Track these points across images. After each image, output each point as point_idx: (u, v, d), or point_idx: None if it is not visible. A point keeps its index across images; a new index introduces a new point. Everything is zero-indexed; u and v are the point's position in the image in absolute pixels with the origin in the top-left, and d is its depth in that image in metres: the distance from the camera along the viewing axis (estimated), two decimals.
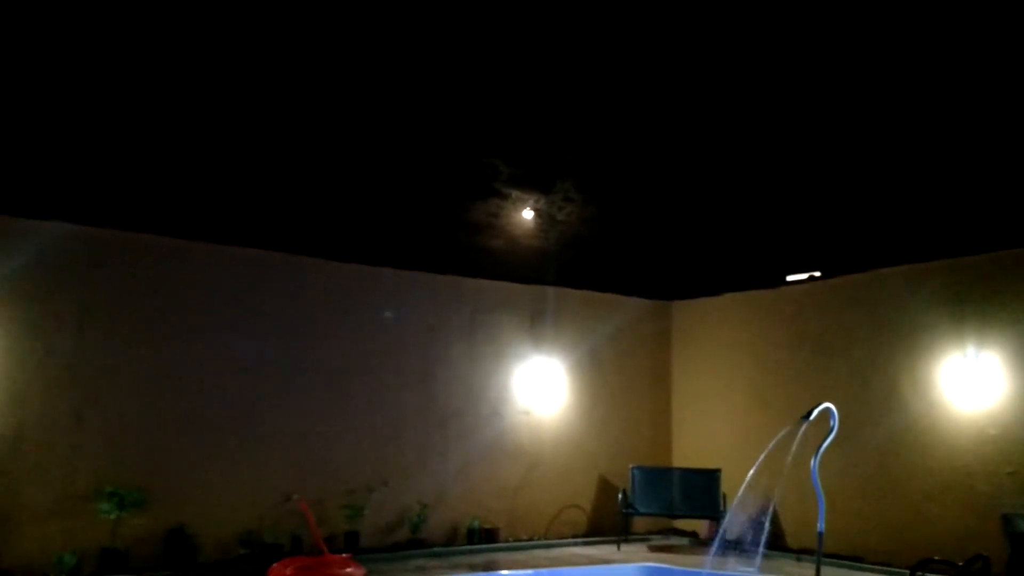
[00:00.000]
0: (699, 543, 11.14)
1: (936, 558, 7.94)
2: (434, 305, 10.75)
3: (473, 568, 9.02)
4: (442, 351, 10.71)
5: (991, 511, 8.31)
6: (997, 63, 9.88)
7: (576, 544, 10.95)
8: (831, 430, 5.36)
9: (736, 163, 12.73)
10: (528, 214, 13.22)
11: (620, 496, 10.93)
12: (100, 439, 8.39)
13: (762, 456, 6.42)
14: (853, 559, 9.36)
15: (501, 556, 9.97)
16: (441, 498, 10.37)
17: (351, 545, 9.36)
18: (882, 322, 9.82)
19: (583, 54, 10.94)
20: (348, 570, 7.63)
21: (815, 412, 5.40)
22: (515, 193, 13.10)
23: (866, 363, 9.91)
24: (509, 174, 12.81)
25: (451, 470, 10.56)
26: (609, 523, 11.31)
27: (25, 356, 8.10)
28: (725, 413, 11.63)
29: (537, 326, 11.46)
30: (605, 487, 11.68)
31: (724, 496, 10.60)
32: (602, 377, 12.01)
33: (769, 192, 12.81)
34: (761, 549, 8.73)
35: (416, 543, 9.92)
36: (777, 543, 10.21)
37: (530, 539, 10.82)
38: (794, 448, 5.81)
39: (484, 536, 10.44)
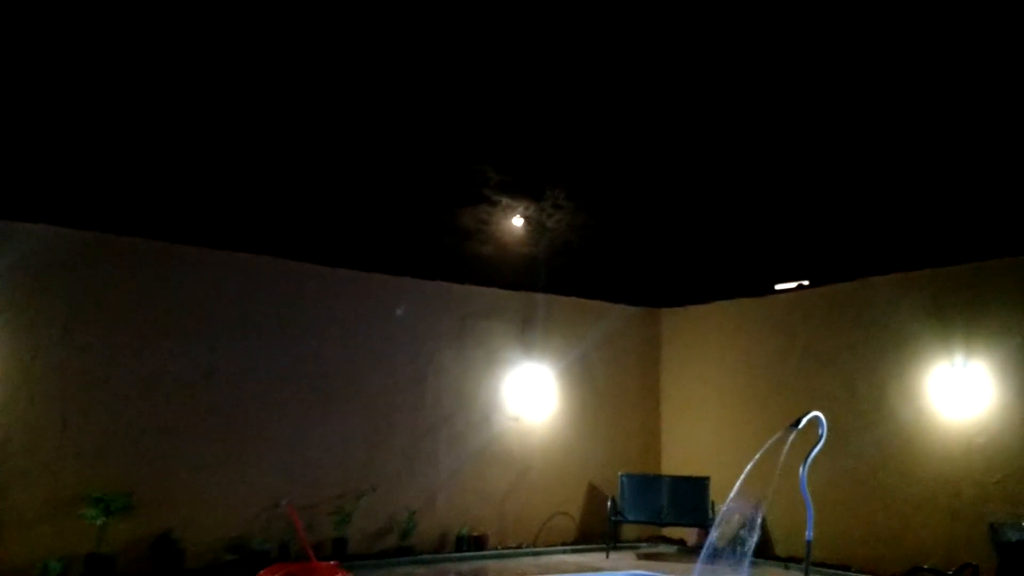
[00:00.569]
0: (688, 551, 11.14)
1: (925, 567, 7.97)
2: (423, 311, 10.72)
3: None
4: (431, 357, 10.68)
5: (978, 520, 8.34)
6: (982, 77, 9.97)
7: (565, 551, 10.93)
8: (820, 438, 5.37)
9: (725, 172, 12.78)
10: (518, 221, 13.23)
11: (609, 503, 10.92)
12: (86, 444, 8.33)
13: (751, 464, 6.42)
14: (841, 567, 9.36)
15: (490, 563, 9.96)
16: (430, 505, 10.33)
17: (339, 552, 9.31)
18: (870, 331, 9.85)
19: (574, 62, 10.97)
20: None
21: (804, 420, 5.40)
22: (505, 200, 13.12)
23: (854, 371, 9.94)
24: (499, 181, 12.83)
25: (440, 477, 10.53)
26: (598, 530, 11.31)
27: (11, 360, 8.04)
28: (714, 421, 11.64)
29: (527, 333, 11.44)
30: (594, 494, 11.67)
31: (713, 504, 10.61)
32: (592, 384, 12.00)
33: (758, 201, 12.88)
34: (749, 557, 8.72)
35: (404, 550, 9.87)
36: (765, 551, 10.21)
37: (519, 546, 10.79)
38: (783, 456, 5.81)
39: (473, 543, 10.40)
